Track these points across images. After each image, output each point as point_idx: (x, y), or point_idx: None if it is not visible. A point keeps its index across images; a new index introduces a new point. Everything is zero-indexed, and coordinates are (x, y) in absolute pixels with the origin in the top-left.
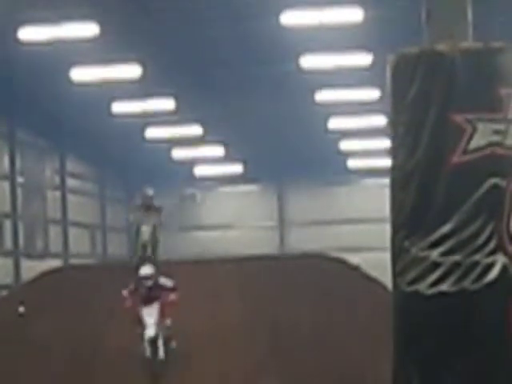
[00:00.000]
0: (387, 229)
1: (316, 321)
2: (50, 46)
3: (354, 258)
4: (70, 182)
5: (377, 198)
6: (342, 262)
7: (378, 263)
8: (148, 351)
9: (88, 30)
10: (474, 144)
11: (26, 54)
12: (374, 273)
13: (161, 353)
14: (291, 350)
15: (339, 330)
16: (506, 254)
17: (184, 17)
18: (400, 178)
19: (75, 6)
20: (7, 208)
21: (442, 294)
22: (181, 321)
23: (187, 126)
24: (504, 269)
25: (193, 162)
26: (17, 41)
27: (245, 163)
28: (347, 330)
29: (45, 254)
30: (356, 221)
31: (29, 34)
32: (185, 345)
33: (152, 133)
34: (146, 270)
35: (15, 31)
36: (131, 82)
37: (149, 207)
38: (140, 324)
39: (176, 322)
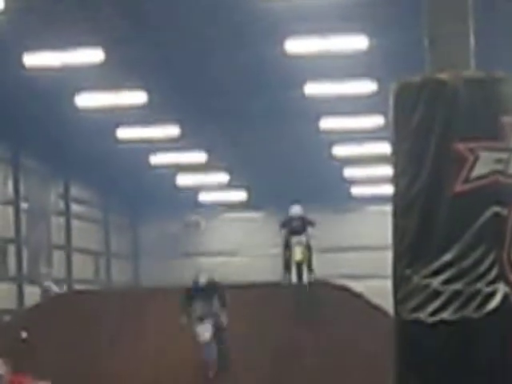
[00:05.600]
0: (390, 256)
1: (319, 347)
2: (56, 71)
3: (357, 286)
4: (75, 208)
5: (380, 226)
6: (346, 290)
7: (380, 291)
8: None
9: (94, 56)
10: (476, 172)
11: (31, 79)
12: (376, 300)
13: None
14: (293, 377)
15: (342, 357)
16: (507, 282)
17: (189, 44)
18: (402, 205)
19: (81, 32)
20: (11, 233)
21: (444, 322)
22: (186, 346)
23: (192, 152)
24: (505, 297)
25: (197, 189)
26: (23, 66)
27: (249, 190)
28: (350, 357)
29: (48, 280)
30: (359, 248)
31: (34, 59)
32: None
33: (157, 159)
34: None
35: (21, 57)
36: (136, 108)
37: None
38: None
39: (183, 348)
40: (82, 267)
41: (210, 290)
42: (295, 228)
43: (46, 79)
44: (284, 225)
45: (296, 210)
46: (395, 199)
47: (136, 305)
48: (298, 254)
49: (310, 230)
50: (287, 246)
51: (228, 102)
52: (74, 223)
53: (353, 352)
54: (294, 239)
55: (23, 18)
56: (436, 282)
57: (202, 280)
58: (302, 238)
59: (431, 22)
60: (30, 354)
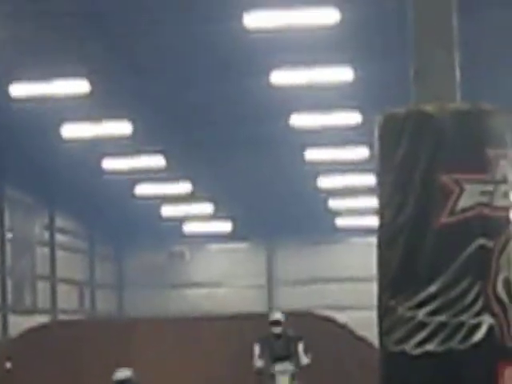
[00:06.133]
0: (374, 287)
1: (303, 378)
2: (41, 102)
3: (341, 317)
4: (59, 238)
5: (364, 257)
6: (330, 321)
7: (365, 322)
8: None
9: (78, 87)
10: (461, 205)
11: (16, 110)
12: (361, 331)
13: None
14: None
15: None
16: (492, 314)
17: (174, 75)
18: (387, 237)
19: (66, 63)
20: None
21: (429, 354)
22: (170, 377)
23: (176, 183)
24: (490, 329)
25: (182, 219)
26: (7, 97)
27: (234, 221)
28: None
29: (33, 310)
30: (344, 279)
31: (19, 90)
32: None
33: (142, 189)
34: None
35: (6, 88)
36: (121, 139)
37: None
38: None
39: (167, 378)
40: (67, 297)
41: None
42: (277, 351)
43: (32, 110)
44: (262, 345)
45: (276, 316)
46: (380, 231)
47: (120, 334)
48: None
49: (300, 347)
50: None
51: (213, 132)
52: (59, 253)
53: (337, 381)
54: (278, 367)
55: (8, 49)
56: (421, 314)
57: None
58: (289, 367)
59: (416, 53)
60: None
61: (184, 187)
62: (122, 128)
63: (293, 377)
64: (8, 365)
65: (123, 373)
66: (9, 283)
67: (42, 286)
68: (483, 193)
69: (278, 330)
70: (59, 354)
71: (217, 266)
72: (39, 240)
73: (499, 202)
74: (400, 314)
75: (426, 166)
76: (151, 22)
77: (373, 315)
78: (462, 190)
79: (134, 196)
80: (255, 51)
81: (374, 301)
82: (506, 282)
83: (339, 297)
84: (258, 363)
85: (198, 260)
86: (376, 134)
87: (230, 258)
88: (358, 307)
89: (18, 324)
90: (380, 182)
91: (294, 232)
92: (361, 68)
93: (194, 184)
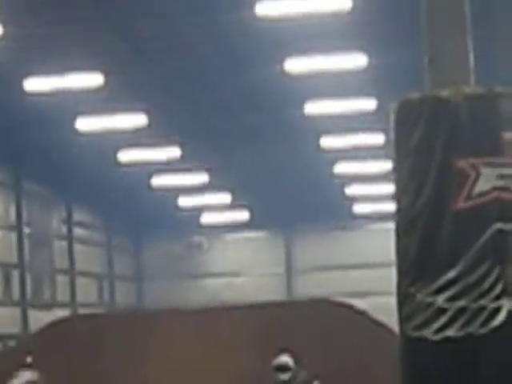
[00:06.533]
0: (393, 273)
1: (323, 366)
2: (56, 96)
3: (361, 303)
4: (77, 232)
5: (383, 243)
6: (349, 307)
7: (384, 308)
8: None
9: (93, 80)
10: (478, 189)
11: (31, 104)
12: (380, 317)
13: None
14: None
15: (346, 375)
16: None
17: (188, 65)
18: (404, 223)
19: (80, 56)
20: (14, 258)
21: (449, 339)
22: (195, 370)
23: (193, 173)
24: (510, 313)
25: (199, 210)
26: (23, 92)
27: (251, 210)
28: (354, 375)
29: (52, 304)
30: (362, 266)
31: (34, 84)
32: None
33: (158, 181)
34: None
35: (21, 82)
36: (137, 130)
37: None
38: None
39: (190, 371)
40: (86, 291)
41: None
42: None
43: (47, 104)
44: None
45: (283, 360)
46: (398, 217)
47: (141, 327)
48: None
49: None
50: None
51: (229, 122)
52: (77, 247)
53: (357, 370)
54: None
55: (22, 44)
56: (440, 300)
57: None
58: None
59: (430, 39)
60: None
61: (200, 177)
62: (137, 120)
63: None
64: (29, 359)
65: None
66: (28, 278)
67: (61, 280)
68: (500, 176)
69: (285, 376)
70: (81, 348)
71: (235, 256)
72: (57, 234)
73: None
74: (419, 300)
75: (442, 151)
76: (164, 12)
77: (392, 301)
78: (478, 174)
79: (150, 187)
80: (269, 39)
81: (394, 286)
82: None
83: (358, 283)
84: None
85: (216, 250)
86: (392, 120)
87: (248, 247)
88: (377, 293)
89: (38, 318)
90: (396, 168)
91: (312, 220)
92: (375, 54)
93: (210, 174)
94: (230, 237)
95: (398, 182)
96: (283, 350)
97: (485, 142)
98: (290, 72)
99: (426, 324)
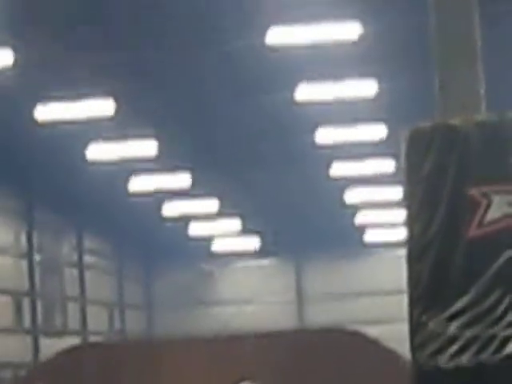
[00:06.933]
0: (405, 300)
1: None
2: (66, 123)
3: (372, 331)
4: (88, 259)
5: (394, 270)
6: (361, 335)
7: (397, 335)
8: None
9: (104, 107)
10: (489, 217)
11: (43, 132)
12: (392, 345)
13: None
14: None
15: None
16: None
17: (199, 93)
18: (416, 250)
19: (91, 84)
20: (25, 286)
21: (461, 367)
22: None
23: (204, 200)
24: None
25: (210, 237)
26: (33, 119)
27: (262, 237)
28: None
29: (63, 332)
30: (373, 293)
31: (46, 112)
32: None
33: (169, 208)
34: None
35: (32, 110)
36: (147, 158)
37: None
38: None
39: None
40: (97, 319)
41: None
42: None
43: (58, 132)
44: None
45: None
46: (409, 244)
47: (152, 355)
48: None
49: None
50: None
51: (239, 148)
52: (88, 274)
53: None
54: None
55: (33, 72)
56: (452, 328)
57: None
58: None
59: (441, 66)
60: None
61: (211, 204)
62: (147, 147)
63: None
64: None
65: None
66: (39, 305)
67: (72, 308)
68: (511, 203)
69: None
70: (91, 376)
71: (246, 283)
72: (68, 261)
73: None
74: (431, 328)
75: (453, 179)
76: (176, 41)
77: (404, 328)
78: (490, 202)
79: (161, 215)
80: (279, 67)
81: (405, 314)
82: None
83: (369, 311)
84: None
85: (227, 277)
86: (403, 147)
87: (259, 274)
88: (388, 321)
89: (49, 346)
90: (408, 196)
91: (323, 247)
92: (385, 81)
93: (221, 201)
94: (241, 264)
95: (409, 210)
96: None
97: (496, 170)
98: (301, 99)
99: (438, 352)
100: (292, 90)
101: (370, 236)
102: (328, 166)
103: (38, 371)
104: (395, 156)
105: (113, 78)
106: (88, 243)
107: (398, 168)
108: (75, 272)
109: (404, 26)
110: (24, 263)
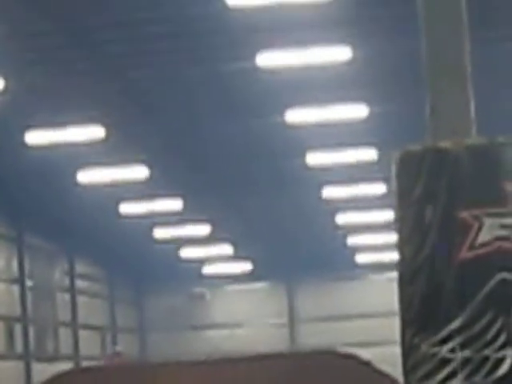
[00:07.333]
0: (397, 323)
1: None
2: (56, 149)
3: (364, 353)
4: (80, 284)
5: (385, 292)
6: (353, 358)
7: (388, 358)
8: None
9: (93, 132)
10: (481, 239)
11: (33, 157)
12: (384, 367)
13: None
14: None
15: None
16: None
17: (189, 116)
18: (407, 274)
19: (80, 109)
20: (17, 311)
21: None
22: None
23: (195, 225)
24: None
25: (201, 261)
26: (23, 145)
27: (253, 261)
28: None
29: (55, 357)
30: (365, 315)
31: (35, 138)
32: None
33: (160, 233)
34: None
35: (22, 135)
36: (138, 183)
37: None
38: None
39: None
40: (89, 343)
41: None
42: None
43: (48, 157)
44: None
45: None
46: (401, 266)
47: (145, 379)
48: None
49: None
50: None
51: (230, 173)
52: (80, 299)
53: None
54: None
55: (24, 97)
56: (444, 350)
57: None
58: None
59: (432, 89)
60: None
61: (203, 229)
62: (138, 172)
63: None
64: None
65: None
66: (31, 330)
67: (64, 333)
68: (503, 226)
69: None
70: None
71: (237, 307)
72: (60, 286)
73: None
74: (424, 351)
75: (444, 202)
76: (164, 64)
77: (396, 351)
78: (481, 225)
79: (152, 239)
80: (269, 90)
81: (397, 336)
82: None
83: (361, 333)
84: None
85: (219, 301)
86: (393, 171)
87: (251, 298)
88: (380, 343)
89: (41, 371)
90: (399, 218)
91: (314, 270)
92: (375, 104)
93: (212, 225)
94: (232, 288)
95: (400, 233)
96: None
97: (487, 193)
98: (291, 122)
99: (430, 375)
100: (282, 113)
101: (361, 259)
102: (319, 189)
103: None
104: (386, 179)
105: (102, 104)
106: (80, 268)
107: (388, 191)
108: (67, 297)
109: (394, 50)
110: (16, 288)
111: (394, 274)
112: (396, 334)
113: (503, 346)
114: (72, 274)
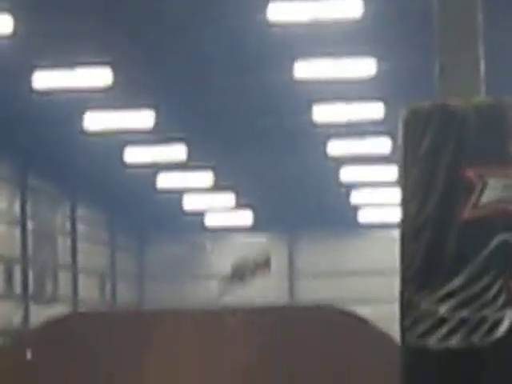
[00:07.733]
0: (397, 281)
1: (324, 373)
2: (63, 92)
3: (363, 310)
4: (81, 229)
5: (387, 250)
6: (352, 315)
7: (388, 315)
8: None
9: (101, 76)
10: (484, 199)
11: (39, 100)
12: (384, 326)
13: None
14: None
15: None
16: None
17: (197, 66)
18: (410, 231)
19: (88, 52)
20: (17, 253)
21: (451, 349)
22: (189, 374)
23: (199, 172)
24: None
25: (203, 211)
26: (31, 88)
27: (255, 212)
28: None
29: (54, 300)
30: (366, 273)
31: (43, 81)
32: None
33: (163, 179)
34: None
35: (29, 78)
36: (144, 128)
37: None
38: None
39: (184, 376)
40: (88, 288)
41: None
42: None
43: (54, 100)
44: None
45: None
46: (403, 224)
47: (143, 327)
48: None
49: None
50: None
51: (236, 123)
52: (80, 243)
53: (359, 379)
54: None
55: (32, 41)
56: (443, 309)
57: None
58: None
59: (442, 47)
60: (32, 376)
61: (206, 177)
62: (144, 117)
63: None
64: (28, 355)
65: None
66: (30, 273)
67: (63, 276)
68: (506, 187)
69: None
70: (80, 346)
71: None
72: (61, 230)
73: None
74: (423, 309)
75: (449, 161)
76: (175, 13)
77: (394, 309)
78: (485, 184)
79: (155, 186)
80: (278, 44)
81: (396, 295)
82: None
83: (362, 290)
84: None
85: (220, 251)
86: (400, 127)
87: (252, 249)
88: (381, 300)
89: (39, 313)
90: (403, 176)
91: (316, 224)
92: (384, 60)
93: (215, 174)
94: (234, 239)
95: (404, 190)
96: None
97: (493, 153)
98: (299, 76)
99: (428, 333)
100: (291, 68)
101: (364, 215)
102: (325, 143)
103: (27, 338)
104: (392, 136)
105: (112, 48)
106: (81, 212)
107: (394, 148)
108: (68, 240)
109: (405, 6)
110: (17, 230)
111: (396, 233)
112: (396, 293)
113: (502, 307)
114: (73, 218)
